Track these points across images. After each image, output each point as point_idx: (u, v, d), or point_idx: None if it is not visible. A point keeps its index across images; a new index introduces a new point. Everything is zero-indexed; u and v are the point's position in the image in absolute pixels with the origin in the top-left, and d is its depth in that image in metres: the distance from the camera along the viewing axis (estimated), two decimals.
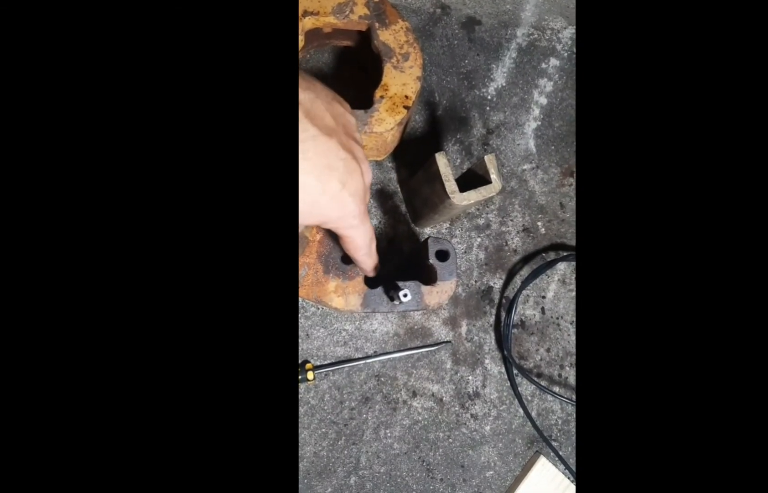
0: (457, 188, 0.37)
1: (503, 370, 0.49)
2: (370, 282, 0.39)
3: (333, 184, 0.26)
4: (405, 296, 0.35)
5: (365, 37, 0.45)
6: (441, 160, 0.38)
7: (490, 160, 0.39)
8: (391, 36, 0.43)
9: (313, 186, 0.26)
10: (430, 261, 0.39)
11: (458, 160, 0.53)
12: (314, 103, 0.26)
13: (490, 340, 0.50)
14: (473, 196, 0.38)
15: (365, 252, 0.32)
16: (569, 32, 0.56)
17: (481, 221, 0.52)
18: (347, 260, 0.39)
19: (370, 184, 0.32)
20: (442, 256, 0.40)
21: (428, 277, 0.40)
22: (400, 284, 0.38)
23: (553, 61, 0.55)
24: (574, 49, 0.56)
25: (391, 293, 0.37)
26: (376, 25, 0.42)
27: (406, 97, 0.42)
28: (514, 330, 0.50)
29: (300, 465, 0.46)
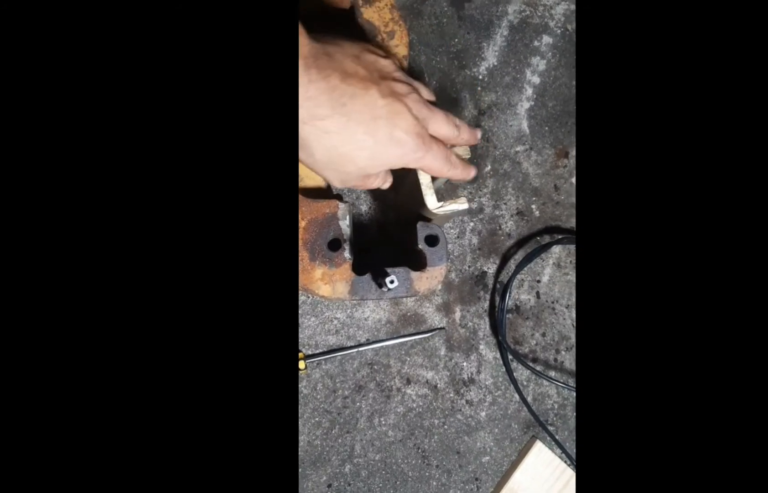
0: (435, 200, 0.37)
1: (498, 355, 0.49)
2: (358, 269, 0.38)
3: (382, 132, 0.29)
4: (392, 282, 0.35)
5: (348, 15, 0.44)
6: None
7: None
8: (376, 13, 0.41)
9: (364, 140, 0.28)
10: (420, 246, 0.39)
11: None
12: (345, 64, 0.28)
13: (484, 325, 0.49)
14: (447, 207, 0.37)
15: (447, 170, 0.33)
16: (562, 8, 0.54)
17: (473, 205, 0.51)
18: (334, 246, 0.38)
19: (430, 100, 0.34)
20: (432, 241, 0.39)
21: (418, 262, 0.40)
22: (388, 270, 0.37)
23: (546, 39, 0.54)
24: (568, 26, 0.54)
25: (379, 280, 0.37)
26: (360, 2, 0.41)
27: None
28: (509, 315, 0.49)
29: (298, 455, 0.46)
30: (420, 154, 0.31)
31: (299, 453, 0.46)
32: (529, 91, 0.53)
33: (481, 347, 0.49)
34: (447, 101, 0.52)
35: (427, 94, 0.34)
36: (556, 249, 0.51)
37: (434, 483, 0.47)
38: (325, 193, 0.44)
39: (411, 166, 0.32)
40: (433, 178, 0.38)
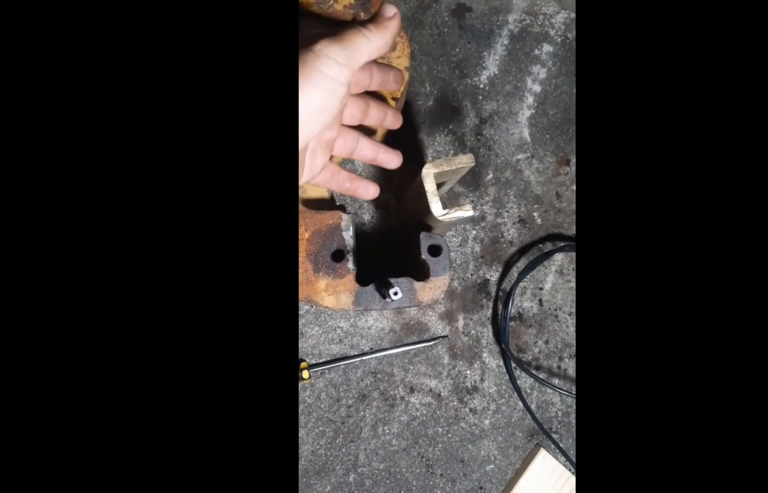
0: (440, 207, 0.37)
1: (501, 363, 0.49)
2: (361, 279, 0.39)
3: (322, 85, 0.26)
4: (395, 294, 0.35)
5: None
6: (427, 177, 0.37)
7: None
8: None
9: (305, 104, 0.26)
10: (423, 256, 0.39)
11: (451, 151, 0.52)
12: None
13: (487, 333, 0.49)
14: (453, 214, 0.37)
15: (366, 50, 0.27)
16: (562, 17, 0.55)
17: (476, 213, 0.51)
18: (337, 257, 0.38)
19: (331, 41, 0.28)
20: (435, 251, 0.39)
21: (421, 272, 0.40)
22: (392, 280, 0.37)
23: (546, 47, 0.54)
24: (568, 35, 0.54)
25: (383, 290, 0.37)
26: (362, 14, 0.41)
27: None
28: (512, 323, 0.49)
29: (298, 464, 0.46)
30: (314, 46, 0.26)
31: (303, 463, 0.46)
32: (530, 100, 0.53)
33: (485, 355, 0.49)
34: (448, 111, 0.52)
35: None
36: (559, 256, 0.51)
37: (438, 492, 0.47)
38: (328, 204, 0.44)
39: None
40: (438, 186, 0.38)
